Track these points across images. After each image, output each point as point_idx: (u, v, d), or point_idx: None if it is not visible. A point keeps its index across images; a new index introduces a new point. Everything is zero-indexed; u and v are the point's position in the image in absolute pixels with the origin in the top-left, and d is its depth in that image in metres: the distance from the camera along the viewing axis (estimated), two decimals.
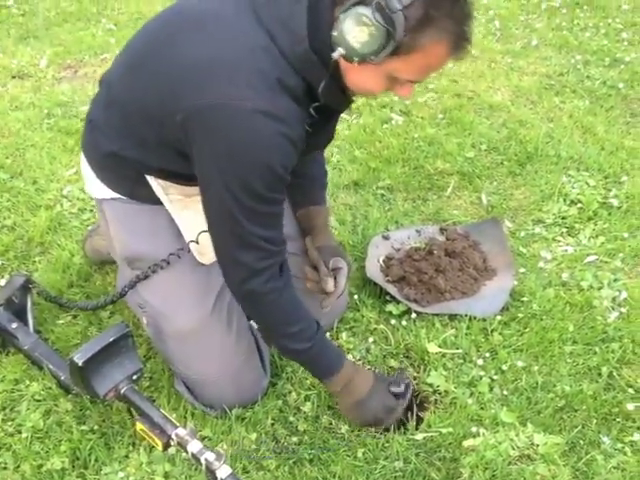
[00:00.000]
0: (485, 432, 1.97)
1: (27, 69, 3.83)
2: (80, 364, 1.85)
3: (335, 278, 2.11)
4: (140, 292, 2.06)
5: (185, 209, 1.98)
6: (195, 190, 1.82)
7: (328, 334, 2.30)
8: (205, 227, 1.89)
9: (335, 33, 1.53)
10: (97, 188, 2.01)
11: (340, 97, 1.74)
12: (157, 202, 1.97)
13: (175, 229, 2.00)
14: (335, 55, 1.55)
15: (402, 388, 2.05)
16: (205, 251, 2.00)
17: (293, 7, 1.61)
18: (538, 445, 1.91)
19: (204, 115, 1.62)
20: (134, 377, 1.95)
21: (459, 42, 1.56)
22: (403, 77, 1.62)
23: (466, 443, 1.94)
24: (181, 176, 1.89)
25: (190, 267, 2.02)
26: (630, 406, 2.09)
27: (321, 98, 1.68)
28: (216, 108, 1.60)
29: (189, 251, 2.00)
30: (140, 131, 1.82)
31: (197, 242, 1.99)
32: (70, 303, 2.31)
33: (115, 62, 1.93)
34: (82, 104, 3.46)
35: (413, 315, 2.35)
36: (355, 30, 1.50)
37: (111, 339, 1.90)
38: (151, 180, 1.93)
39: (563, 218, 2.84)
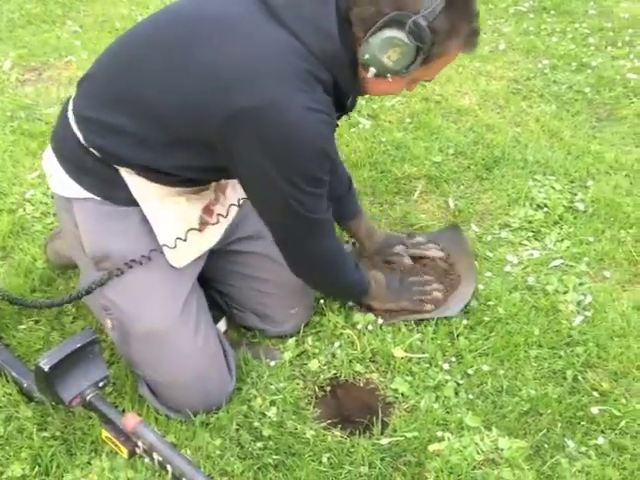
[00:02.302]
0: (450, 436, 1.97)
1: None
2: (46, 370, 1.83)
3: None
4: (106, 294, 2.03)
5: (163, 209, 1.97)
6: (175, 190, 1.94)
7: (294, 339, 2.30)
8: (183, 234, 1.96)
9: (367, 56, 1.69)
10: (67, 187, 1.98)
11: (356, 100, 2.00)
12: (131, 204, 1.96)
13: (147, 231, 1.98)
14: (369, 75, 1.73)
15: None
16: (179, 255, 2.00)
17: (321, 8, 1.71)
18: (503, 449, 1.91)
19: (255, 116, 1.70)
20: (100, 384, 1.94)
21: (471, 39, 1.74)
22: (423, 79, 1.85)
23: (431, 447, 1.94)
24: (172, 176, 1.91)
25: (160, 269, 2.01)
26: (594, 410, 2.09)
27: (348, 98, 1.91)
28: (267, 108, 1.69)
29: (161, 252, 1.99)
30: (143, 130, 1.84)
31: (175, 246, 1.98)
32: (35, 302, 2.25)
33: (106, 61, 1.95)
34: (46, 107, 3.42)
35: (380, 320, 2.34)
36: (388, 52, 1.66)
37: (78, 345, 1.89)
38: (130, 179, 1.92)
39: (529, 222, 2.84)
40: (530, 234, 2.80)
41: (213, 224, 2.10)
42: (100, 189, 1.96)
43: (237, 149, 1.78)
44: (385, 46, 1.66)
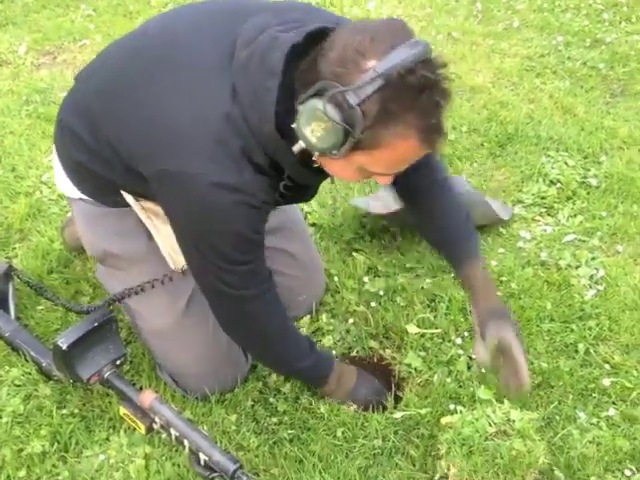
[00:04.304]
0: (463, 409, 1.98)
1: (5, 56, 3.81)
2: (64, 348, 1.87)
3: (506, 350, 1.83)
4: (114, 288, 2.07)
5: (156, 217, 1.95)
6: None
7: (308, 317, 2.31)
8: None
9: (294, 126, 1.44)
10: (65, 185, 1.99)
11: (313, 178, 1.70)
12: (126, 205, 1.94)
13: (144, 230, 1.98)
14: (296, 149, 1.48)
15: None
16: (178, 260, 1.96)
17: (265, 79, 1.50)
18: (514, 421, 1.92)
19: (165, 181, 1.61)
20: (117, 362, 1.98)
21: (428, 135, 1.42)
22: (374, 170, 1.52)
23: (444, 420, 1.95)
24: (147, 195, 1.85)
25: (163, 267, 2.00)
26: (606, 382, 2.11)
27: (287, 179, 1.64)
28: (176, 177, 1.58)
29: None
30: (107, 154, 1.77)
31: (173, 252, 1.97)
32: (65, 303, 2.26)
33: (93, 67, 1.89)
34: (61, 90, 3.44)
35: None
36: (312, 125, 1.41)
37: (95, 324, 1.93)
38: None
39: (542, 198, 2.85)
40: (543, 210, 2.81)
41: None
42: (95, 194, 1.95)
43: (162, 206, 1.72)
44: (309, 117, 1.40)
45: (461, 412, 1.96)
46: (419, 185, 1.94)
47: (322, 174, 1.65)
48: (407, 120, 1.38)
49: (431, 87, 1.38)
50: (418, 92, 1.37)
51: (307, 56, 1.46)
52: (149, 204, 1.91)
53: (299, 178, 1.65)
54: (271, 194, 1.65)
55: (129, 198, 1.90)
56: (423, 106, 1.38)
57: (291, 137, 1.48)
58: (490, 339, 1.83)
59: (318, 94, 1.38)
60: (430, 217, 2.03)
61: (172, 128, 1.58)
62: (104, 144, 1.76)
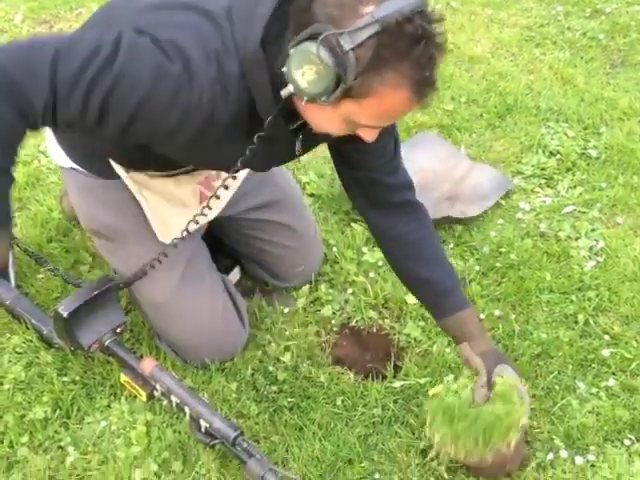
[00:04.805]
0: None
1: (1, 25, 3.77)
2: (65, 315, 1.88)
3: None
4: (112, 261, 2.08)
5: (146, 189, 1.94)
6: (157, 173, 1.85)
7: (307, 287, 2.32)
8: (170, 212, 1.91)
9: (284, 69, 1.37)
10: (56, 154, 1.97)
11: (282, 130, 1.57)
12: (117, 177, 1.92)
13: (135, 203, 1.96)
14: (284, 93, 1.41)
15: None
16: (167, 232, 1.95)
17: (259, 7, 1.42)
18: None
19: (131, 42, 1.41)
20: (118, 330, 1.98)
21: (420, 88, 1.38)
22: (361, 122, 1.45)
23: (431, 392, 1.87)
24: (134, 162, 1.84)
25: (156, 240, 1.99)
26: (605, 352, 2.12)
27: (265, 134, 1.51)
28: (145, 36, 1.42)
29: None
30: None
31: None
32: (76, 281, 2.23)
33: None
34: None
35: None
36: (303, 68, 1.35)
37: (95, 292, 1.93)
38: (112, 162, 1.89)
39: (542, 169, 2.85)
40: (543, 181, 2.81)
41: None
42: (86, 163, 1.93)
43: None
44: (301, 60, 1.34)
45: (447, 382, 1.95)
46: (392, 210, 1.88)
47: (294, 135, 1.60)
48: (400, 69, 1.34)
49: (427, 39, 1.33)
50: (415, 42, 1.32)
51: None
52: (139, 176, 1.90)
53: (269, 121, 1.50)
54: (222, 110, 1.48)
55: (119, 169, 1.89)
56: (418, 57, 1.33)
57: (279, 82, 1.41)
58: (498, 381, 1.80)
59: (312, 37, 1.32)
60: (413, 252, 1.93)
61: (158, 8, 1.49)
62: None
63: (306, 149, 1.71)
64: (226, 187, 1.74)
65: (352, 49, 1.29)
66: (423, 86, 1.38)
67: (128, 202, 1.95)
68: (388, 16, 1.29)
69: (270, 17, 1.41)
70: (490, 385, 1.80)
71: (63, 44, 1.41)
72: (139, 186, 1.92)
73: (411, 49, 1.32)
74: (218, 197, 1.79)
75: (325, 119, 1.47)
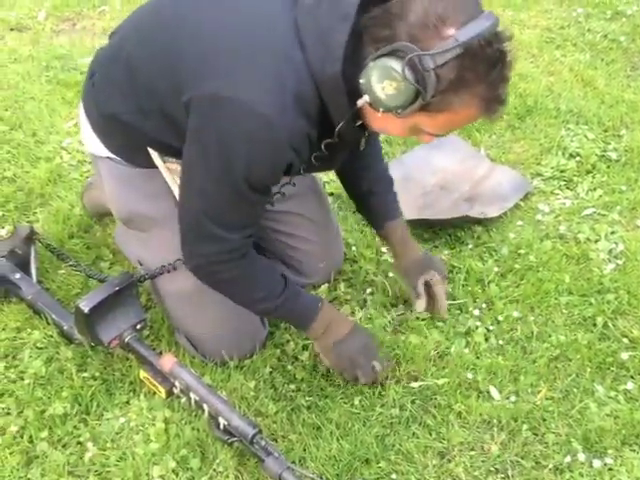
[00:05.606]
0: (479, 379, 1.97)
1: (25, 22, 3.81)
2: (86, 311, 1.89)
3: (430, 291, 2.19)
4: (136, 251, 2.09)
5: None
6: None
7: (326, 286, 2.32)
8: None
9: (362, 80, 1.48)
10: (93, 143, 1.99)
11: (357, 133, 1.72)
12: (154, 166, 1.94)
13: (170, 192, 1.98)
14: (360, 103, 1.51)
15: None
16: None
17: (336, 23, 1.52)
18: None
19: (210, 103, 1.58)
20: (138, 326, 2.00)
21: (491, 106, 1.50)
22: (427, 130, 1.59)
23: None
24: (174, 150, 1.84)
25: None
26: (624, 355, 2.11)
27: (336, 135, 1.64)
28: (224, 100, 1.56)
29: None
30: (141, 95, 1.78)
31: None
32: (100, 276, 2.27)
33: (135, 14, 1.90)
34: (80, 57, 3.44)
35: None
36: (384, 82, 1.45)
37: (116, 288, 1.94)
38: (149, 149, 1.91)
39: (562, 171, 2.84)
40: (562, 183, 2.80)
41: None
42: (121, 151, 1.96)
43: (193, 131, 1.66)
44: (382, 75, 1.44)
45: None
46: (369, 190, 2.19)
47: (364, 132, 1.73)
48: (477, 90, 1.46)
49: (503, 60, 1.45)
50: (492, 65, 1.44)
51: (374, 6, 1.49)
52: (175, 165, 1.91)
53: (346, 131, 1.65)
54: (305, 141, 1.63)
55: (156, 158, 1.91)
56: (494, 78, 1.45)
57: (352, 86, 1.52)
58: (420, 286, 2.16)
59: (393, 54, 1.42)
60: (362, 166, 2.15)
61: (225, 50, 1.59)
62: (141, 89, 1.77)
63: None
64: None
65: (433, 69, 1.40)
66: (494, 104, 1.50)
67: (163, 192, 1.98)
68: (471, 39, 1.39)
69: (346, 44, 1.51)
70: (419, 293, 2.16)
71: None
72: (173, 175, 1.94)
73: (489, 72, 1.44)
74: None
75: (391, 125, 1.60)
